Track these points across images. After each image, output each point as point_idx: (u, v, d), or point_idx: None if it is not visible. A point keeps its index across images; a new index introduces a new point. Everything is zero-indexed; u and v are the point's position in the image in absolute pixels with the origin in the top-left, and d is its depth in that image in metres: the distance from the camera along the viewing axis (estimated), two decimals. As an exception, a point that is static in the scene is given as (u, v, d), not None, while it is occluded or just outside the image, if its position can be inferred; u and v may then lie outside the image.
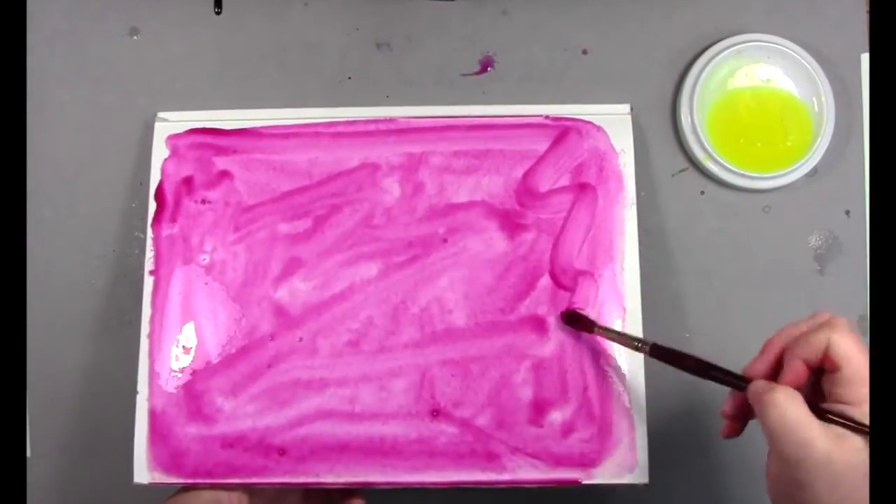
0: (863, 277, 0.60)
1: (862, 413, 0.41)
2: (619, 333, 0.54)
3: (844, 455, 0.40)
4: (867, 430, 0.41)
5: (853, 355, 0.42)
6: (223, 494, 0.55)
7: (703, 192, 0.62)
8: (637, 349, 0.52)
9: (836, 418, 0.41)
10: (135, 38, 0.63)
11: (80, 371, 0.61)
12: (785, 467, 0.41)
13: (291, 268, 0.58)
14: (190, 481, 0.55)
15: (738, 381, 0.46)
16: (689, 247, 0.61)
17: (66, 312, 0.61)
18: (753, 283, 0.61)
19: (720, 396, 0.48)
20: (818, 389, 0.44)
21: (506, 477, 0.55)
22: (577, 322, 0.56)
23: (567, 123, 0.59)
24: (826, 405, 0.42)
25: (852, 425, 0.41)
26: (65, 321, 0.61)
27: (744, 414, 0.47)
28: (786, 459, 0.41)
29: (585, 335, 0.56)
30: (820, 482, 0.40)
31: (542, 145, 0.59)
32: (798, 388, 0.43)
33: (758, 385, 0.44)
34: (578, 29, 0.63)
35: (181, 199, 0.59)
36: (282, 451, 0.55)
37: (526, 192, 0.58)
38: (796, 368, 0.43)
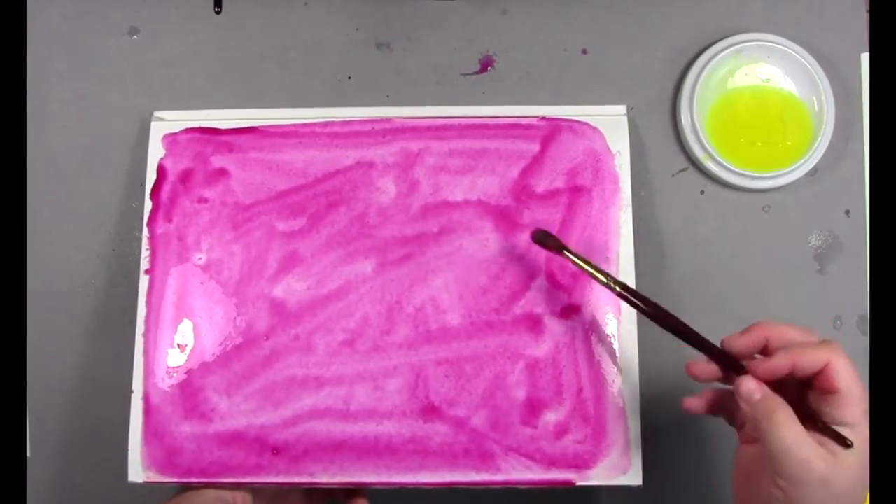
0: (863, 277, 0.60)
1: (857, 434, 0.42)
2: (588, 263, 0.51)
3: (840, 472, 0.42)
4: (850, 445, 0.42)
5: (854, 382, 0.43)
6: (227, 493, 0.55)
7: (702, 192, 0.61)
8: (606, 285, 0.50)
9: (837, 439, 0.43)
10: (135, 37, 0.63)
11: (80, 371, 0.61)
12: (785, 484, 0.42)
13: (287, 266, 0.58)
14: (184, 480, 0.55)
15: (709, 348, 0.47)
16: (689, 246, 0.61)
17: (67, 312, 0.61)
18: (753, 282, 0.60)
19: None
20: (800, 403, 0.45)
21: (499, 478, 0.55)
22: (546, 242, 0.53)
23: (561, 123, 0.59)
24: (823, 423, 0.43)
25: (849, 443, 0.42)
26: (65, 321, 0.61)
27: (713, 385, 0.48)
28: (786, 478, 0.42)
29: (580, 336, 0.56)
30: (816, 499, 0.42)
31: (537, 146, 0.59)
32: (770, 381, 0.44)
33: (751, 388, 0.44)
34: (578, 29, 0.63)
35: (177, 198, 0.59)
36: (276, 451, 0.55)
37: (522, 192, 0.58)
38: (782, 367, 0.44)
